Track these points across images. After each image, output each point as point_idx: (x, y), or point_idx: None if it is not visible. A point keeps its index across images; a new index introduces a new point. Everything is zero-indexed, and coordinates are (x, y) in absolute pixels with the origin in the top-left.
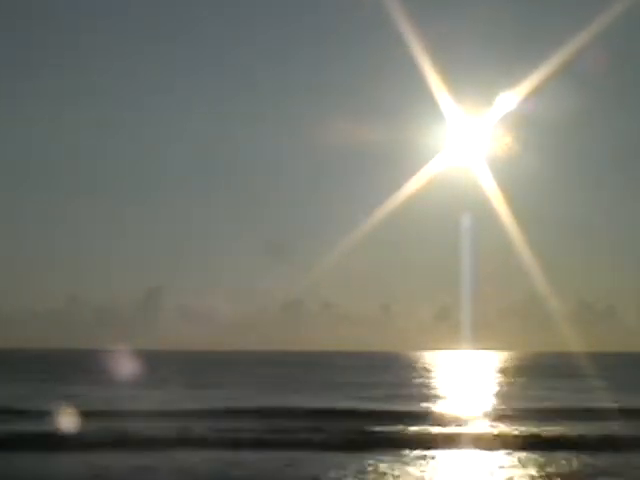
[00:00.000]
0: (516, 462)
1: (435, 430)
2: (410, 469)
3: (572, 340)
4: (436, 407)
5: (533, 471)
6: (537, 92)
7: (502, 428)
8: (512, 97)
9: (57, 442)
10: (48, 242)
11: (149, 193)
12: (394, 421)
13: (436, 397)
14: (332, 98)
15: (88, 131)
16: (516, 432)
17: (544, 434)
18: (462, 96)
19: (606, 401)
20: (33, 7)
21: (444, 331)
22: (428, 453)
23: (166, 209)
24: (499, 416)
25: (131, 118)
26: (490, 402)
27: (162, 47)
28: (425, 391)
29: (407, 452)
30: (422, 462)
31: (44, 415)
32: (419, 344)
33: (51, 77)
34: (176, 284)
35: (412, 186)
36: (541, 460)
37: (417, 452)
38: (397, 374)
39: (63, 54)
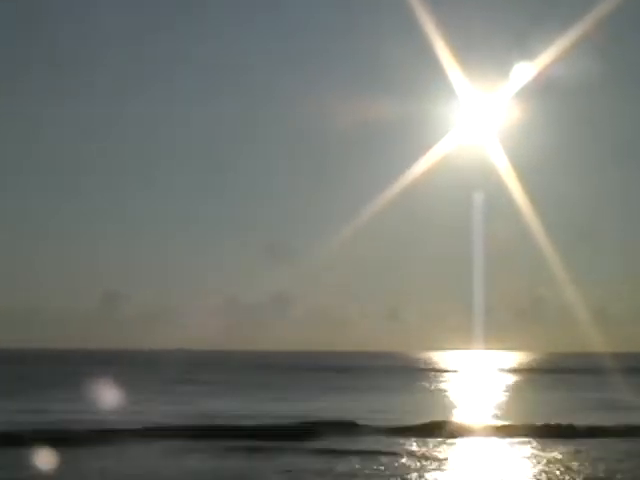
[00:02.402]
0: None
1: None
2: None
3: (596, 339)
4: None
5: None
6: (551, 67)
7: None
8: (525, 71)
9: None
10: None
11: (142, 190)
12: None
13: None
14: (340, 77)
15: (83, 128)
16: None
17: None
18: (475, 73)
19: None
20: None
21: (455, 329)
22: None
23: (160, 206)
24: None
25: (124, 115)
26: None
27: (160, 35)
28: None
29: None
30: None
31: None
32: (424, 343)
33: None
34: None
35: (424, 164)
36: None
37: None
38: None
39: (60, 51)
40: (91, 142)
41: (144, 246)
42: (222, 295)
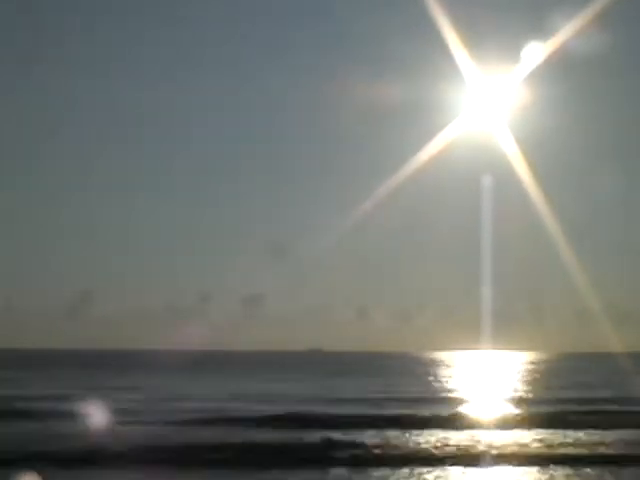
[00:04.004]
0: None
1: None
2: None
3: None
4: None
5: None
6: (562, 49)
7: None
8: (535, 54)
9: None
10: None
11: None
12: None
13: None
14: (343, 65)
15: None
16: None
17: None
18: (483, 56)
19: None
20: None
21: (459, 327)
22: None
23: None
24: None
25: (119, 116)
26: None
27: (170, 26)
28: None
29: None
30: None
31: None
32: (428, 343)
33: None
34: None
35: (432, 149)
36: None
37: None
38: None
39: (64, 48)
40: (82, 141)
41: (132, 245)
42: (211, 295)
